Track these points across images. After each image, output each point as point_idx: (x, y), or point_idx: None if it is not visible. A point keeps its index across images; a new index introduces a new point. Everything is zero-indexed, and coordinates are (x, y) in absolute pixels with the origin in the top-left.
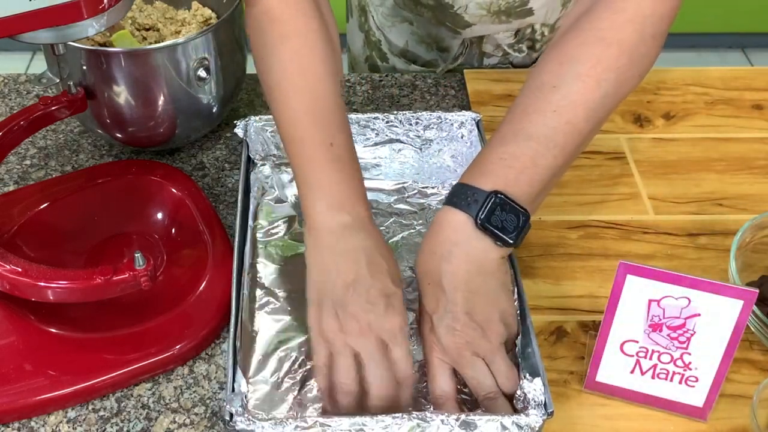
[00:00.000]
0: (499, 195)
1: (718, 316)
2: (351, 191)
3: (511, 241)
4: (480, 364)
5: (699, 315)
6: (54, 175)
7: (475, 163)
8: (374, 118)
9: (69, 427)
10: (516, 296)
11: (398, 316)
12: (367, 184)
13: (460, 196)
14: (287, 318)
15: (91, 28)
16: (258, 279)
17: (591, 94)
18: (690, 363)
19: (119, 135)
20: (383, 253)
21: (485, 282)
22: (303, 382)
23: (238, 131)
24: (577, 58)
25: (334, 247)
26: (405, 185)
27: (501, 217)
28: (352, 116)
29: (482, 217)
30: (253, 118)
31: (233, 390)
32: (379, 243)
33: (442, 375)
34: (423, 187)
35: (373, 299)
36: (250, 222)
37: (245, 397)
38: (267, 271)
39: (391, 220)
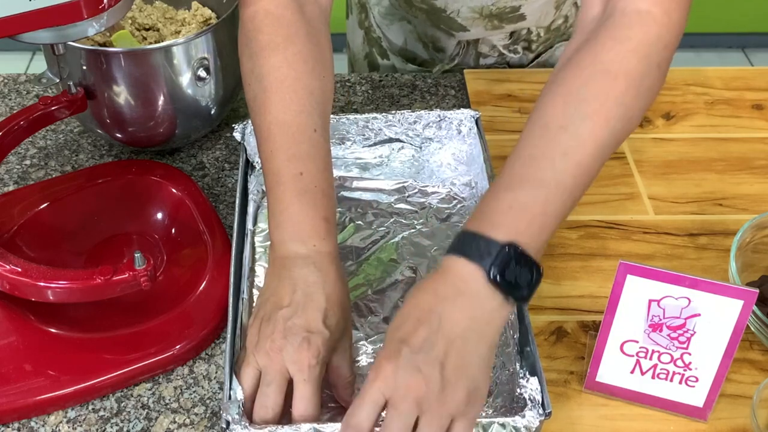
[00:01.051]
0: (513, 247)
1: (718, 316)
2: (312, 226)
3: (524, 297)
4: (408, 418)
5: (699, 315)
6: (54, 175)
7: (482, 210)
8: (373, 118)
9: (69, 427)
10: None
11: (310, 355)
12: (367, 184)
13: (471, 245)
14: None
15: (91, 28)
16: (257, 283)
17: (600, 132)
18: (690, 363)
19: (119, 135)
20: (329, 292)
21: (478, 345)
22: None
23: (236, 134)
24: (584, 96)
25: (281, 273)
26: (405, 185)
27: (515, 272)
28: (351, 116)
29: (496, 271)
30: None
31: (230, 397)
32: (330, 282)
33: (371, 409)
34: (423, 186)
35: (294, 330)
36: (250, 226)
37: (242, 405)
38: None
39: (392, 220)
